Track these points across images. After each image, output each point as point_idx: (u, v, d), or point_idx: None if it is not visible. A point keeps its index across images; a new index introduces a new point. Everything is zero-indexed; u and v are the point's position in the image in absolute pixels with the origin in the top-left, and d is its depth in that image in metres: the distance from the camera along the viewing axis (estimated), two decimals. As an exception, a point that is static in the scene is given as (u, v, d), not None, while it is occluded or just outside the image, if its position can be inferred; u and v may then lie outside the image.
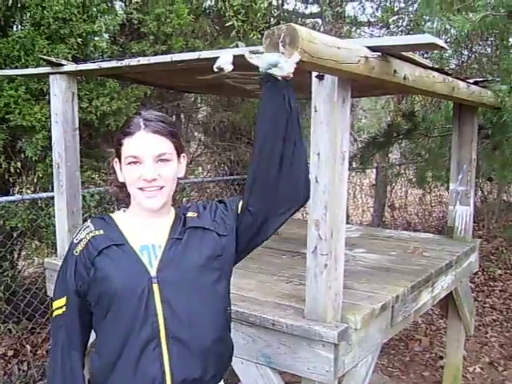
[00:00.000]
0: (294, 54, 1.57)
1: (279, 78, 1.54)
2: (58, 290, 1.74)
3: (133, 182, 1.65)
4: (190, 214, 1.76)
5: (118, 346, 1.61)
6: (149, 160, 1.63)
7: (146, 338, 1.60)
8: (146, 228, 1.71)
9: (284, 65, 1.53)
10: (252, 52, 1.58)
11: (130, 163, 1.64)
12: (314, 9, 8.52)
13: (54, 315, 1.74)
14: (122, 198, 1.79)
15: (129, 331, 1.60)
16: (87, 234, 1.70)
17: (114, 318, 1.61)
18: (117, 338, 1.61)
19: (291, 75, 1.56)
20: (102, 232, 1.69)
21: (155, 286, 1.61)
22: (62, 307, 1.71)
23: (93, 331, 1.74)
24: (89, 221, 1.77)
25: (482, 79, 3.97)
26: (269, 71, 1.55)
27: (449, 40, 5.08)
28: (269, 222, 1.74)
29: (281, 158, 1.63)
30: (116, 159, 1.72)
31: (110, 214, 1.79)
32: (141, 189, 1.64)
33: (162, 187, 1.65)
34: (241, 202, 1.78)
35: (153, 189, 1.64)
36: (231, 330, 1.83)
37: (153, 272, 1.63)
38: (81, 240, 1.70)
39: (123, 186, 1.73)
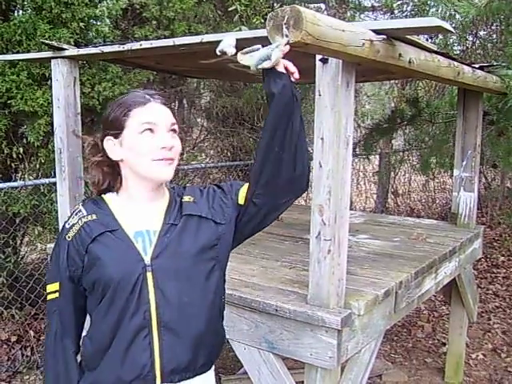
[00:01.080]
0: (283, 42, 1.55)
1: (270, 67, 1.53)
2: (51, 273, 1.72)
3: (148, 152, 1.59)
4: (186, 199, 1.73)
5: (110, 333, 1.60)
6: (164, 129, 1.61)
7: (137, 326, 1.58)
8: (140, 212, 1.67)
9: (273, 54, 1.51)
10: (245, 52, 1.55)
11: (144, 131, 1.59)
12: (318, -6, 8.45)
13: (48, 298, 1.72)
14: (106, 181, 1.71)
15: (121, 318, 1.58)
16: (79, 219, 1.65)
17: (108, 304, 1.59)
18: (109, 324, 1.60)
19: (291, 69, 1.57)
20: (94, 217, 1.65)
21: (149, 274, 1.59)
22: (55, 292, 1.69)
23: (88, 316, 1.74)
24: (80, 204, 1.72)
25: (487, 64, 3.94)
26: (259, 67, 1.53)
27: (454, 25, 5.03)
28: (272, 212, 1.75)
29: (288, 149, 1.64)
30: (109, 137, 1.65)
31: (103, 196, 1.72)
32: (155, 160, 1.59)
33: (172, 159, 1.62)
34: (241, 191, 1.75)
35: (168, 158, 1.60)
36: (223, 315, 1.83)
37: (147, 259, 1.60)
38: (73, 225, 1.65)
39: (114, 165, 1.68)
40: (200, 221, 1.69)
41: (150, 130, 1.59)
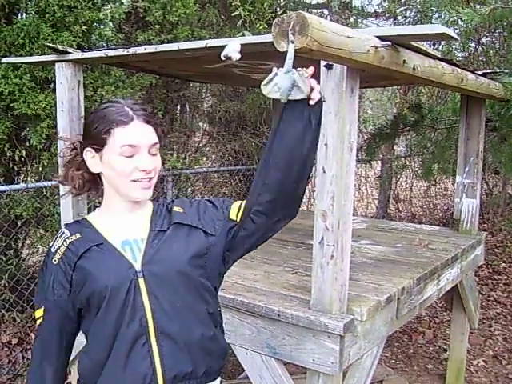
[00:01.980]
0: (307, 70, 1.51)
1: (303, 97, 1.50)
2: (37, 299, 1.70)
3: (127, 174, 1.57)
4: (176, 209, 1.71)
5: (107, 345, 1.58)
6: (145, 150, 1.59)
7: (134, 334, 1.56)
8: (124, 223, 1.66)
9: (300, 83, 1.48)
10: (267, 83, 1.52)
11: (125, 153, 1.56)
12: (321, -1, 8.47)
13: (37, 323, 1.71)
14: (86, 186, 1.71)
15: (117, 328, 1.56)
16: (64, 240, 1.64)
17: (103, 315, 1.57)
18: (106, 335, 1.58)
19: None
20: (78, 236, 1.64)
21: (141, 280, 1.57)
22: (40, 318, 1.68)
23: (82, 335, 1.70)
24: (63, 227, 1.71)
25: (490, 71, 3.94)
26: (290, 98, 1.50)
27: (457, 32, 5.04)
28: (268, 232, 1.72)
29: (299, 176, 1.62)
30: (89, 149, 1.62)
31: (85, 216, 1.73)
32: (135, 180, 1.58)
33: (151, 179, 1.61)
34: (233, 207, 1.73)
35: (147, 180, 1.59)
36: (223, 328, 1.81)
37: (137, 266, 1.58)
38: (58, 248, 1.64)
39: (94, 178, 1.68)
40: (190, 230, 1.67)
41: (131, 152, 1.57)
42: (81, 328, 1.69)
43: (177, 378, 1.59)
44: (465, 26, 4.48)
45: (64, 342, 1.69)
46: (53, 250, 1.66)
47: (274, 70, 1.51)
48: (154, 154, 1.62)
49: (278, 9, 6.21)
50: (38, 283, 1.70)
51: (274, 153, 1.60)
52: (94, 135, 1.60)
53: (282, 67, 1.50)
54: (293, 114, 1.56)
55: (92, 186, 1.71)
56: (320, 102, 1.58)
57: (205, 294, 1.67)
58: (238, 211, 1.72)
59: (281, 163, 1.59)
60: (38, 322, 1.68)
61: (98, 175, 1.67)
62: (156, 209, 1.72)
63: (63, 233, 1.67)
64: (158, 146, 1.63)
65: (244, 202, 1.73)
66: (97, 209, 1.74)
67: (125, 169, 1.57)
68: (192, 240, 1.65)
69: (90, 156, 1.63)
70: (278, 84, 1.49)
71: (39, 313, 1.67)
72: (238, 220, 1.71)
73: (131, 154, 1.57)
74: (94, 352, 1.63)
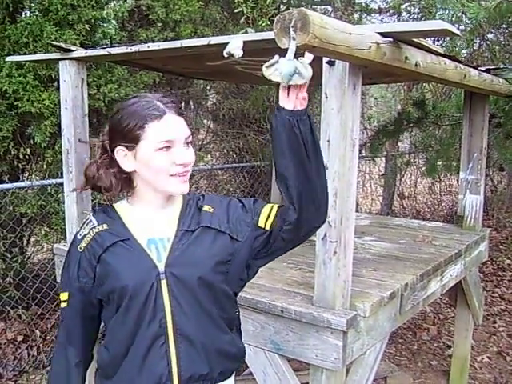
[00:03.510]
0: (306, 55, 1.51)
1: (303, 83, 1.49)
2: (63, 283, 1.70)
3: (165, 169, 1.54)
4: (206, 208, 1.67)
5: (126, 342, 1.59)
6: (181, 143, 1.56)
7: (153, 334, 1.57)
8: (152, 220, 1.64)
9: (302, 70, 1.48)
10: (269, 65, 1.52)
11: (161, 148, 1.53)
12: (324, -5, 8.45)
13: (60, 307, 1.72)
14: (119, 187, 1.65)
15: (137, 327, 1.57)
16: (91, 229, 1.63)
17: (124, 313, 1.58)
18: (125, 333, 1.59)
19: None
20: (105, 227, 1.62)
21: (163, 282, 1.57)
22: (64, 301, 1.69)
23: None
24: (91, 214, 1.70)
25: (493, 67, 3.94)
26: (291, 82, 1.50)
27: (463, 28, 5.03)
28: (294, 245, 1.71)
29: (311, 187, 1.57)
30: (121, 148, 1.58)
31: (114, 205, 1.69)
32: (173, 175, 1.55)
33: (187, 172, 1.59)
34: (263, 213, 1.68)
35: (184, 174, 1.57)
36: (240, 330, 1.82)
37: (161, 267, 1.57)
38: (84, 236, 1.64)
39: (126, 177, 1.64)
40: (217, 234, 1.64)
41: (167, 147, 1.54)
42: (101, 317, 1.70)
43: (192, 378, 1.61)
44: (469, 21, 4.47)
45: (88, 326, 1.71)
46: (79, 236, 1.66)
47: (276, 57, 1.51)
48: (189, 147, 1.59)
49: (282, 5, 6.19)
50: (63, 266, 1.70)
51: (279, 171, 1.59)
52: (126, 133, 1.56)
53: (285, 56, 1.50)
54: (277, 129, 1.52)
55: (124, 184, 1.65)
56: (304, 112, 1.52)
57: (223, 300, 1.67)
58: (268, 218, 1.67)
59: (288, 179, 1.57)
60: (63, 305, 1.69)
61: (129, 174, 1.63)
62: (186, 204, 1.69)
63: (90, 221, 1.67)
64: (191, 138, 1.61)
65: (275, 207, 1.69)
66: (126, 198, 1.69)
67: (162, 164, 1.54)
68: (217, 246, 1.63)
69: (122, 155, 1.59)
70: (280, 69, 1.49)
71: (64, 296, 1.68)
72: (268, 228, 1.66)
73: (168, 149, 1.54)
74: (112, 347, 1.64)
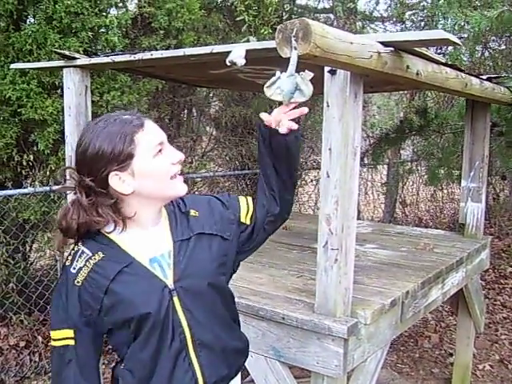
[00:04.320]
0: (306, 72, 1.54)
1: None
2: (58, 319, 1.58)
3: (166, 172, 1.53)
4: (192, 213, 1.69)
5: (151, 364, 1.58)
6: (167, 144, 1.56)
7: (176, 351, 1.58)
8: (147, 237, 1.60)
9: (303, 87, 1.52)
10: (270, 85, 1.56)
11: (158, 153, 1.52)
12: (327, 4, 8.49)
13: (56, 345, 1.60)
14: (108, 219, 1.53)
15: (160, 347, 1.57)
16: (86, 261, 1.53)
17: (146, 338, 1.56)
18: (148, 355, 1.57)
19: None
20: (101, 255, 1.54)
21: (175, 299, 1.57)
22: (65, 339, 1.57)
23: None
24: (80, 244, 1.57)
25: (495, 75, 3.95)
26: (292, 101, 1.54)
27: (465, 36, 5.04)
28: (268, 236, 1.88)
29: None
30: (114, 173, 1.49)
31: (101, 231, 1.56)
32: (172, 177, 1.55)
33: (182, 172, 1.61)
34: (243, 209, 1.80)
35: (179, 173, 1.58)
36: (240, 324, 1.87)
37: (170, 283, 1.57)
38: (80, 269, 1.53)
39: (117, 203, 1.54)
40: (211, 239, 1.68)
41: (160, 150, 1.53)
42: (110, 342, 1.66)
43: (216, 382, 1.66)
44: (472, 30, 4.48)
45: (98, 356, 1.65)
46: (73, 270, 1.54)
47: (278, 73, 1.54)
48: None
49: (284, 14, 6.22)
50: (56, 303, 1.59)
51: (265, 169, 1.80)
52: (116, 155, 1.48)
53: (286, 72, 1.53)
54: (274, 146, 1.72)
55: (112, 216, 1.53)
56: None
57: (228, 299, 1.75)
58: (247, 213, 1.78)
59: (272, 176, 1.78)
60: (67, 342, 1.57)
61: (116, 200, 1.54)
62: (170, 213, 1.67)
63: (82, 252, 1.55)
64: None
65: (250, 201, 1.83)
66: (113, 225, 1.56)
67: (164, 167, 1.53)
68: (215, 249, 1.67)
69: (116, 180, 1.50)
70: (281, 87, 1.52)
71: (65, 334, 1.57)
72: (248, 222, 1.78)
73: (161, 152, 1.53)
74: (137, 370, 1.60)
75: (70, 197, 1.59)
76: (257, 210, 1.79)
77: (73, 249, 1.59)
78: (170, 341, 1.57)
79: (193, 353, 1.60)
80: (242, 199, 1.82)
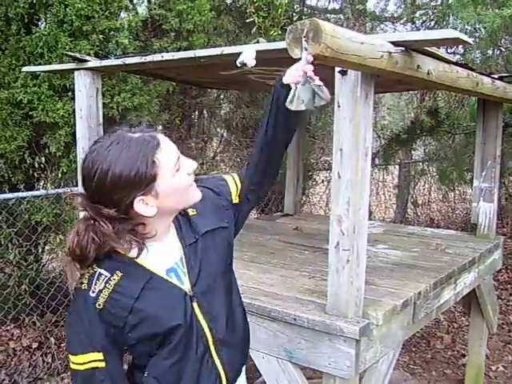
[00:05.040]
0: (316, 79, 1.56)
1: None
2: (81, 344, 1.52)
3: (185, 185, 1.53)
4: (191, 212, 1.67)
5: (177, 369, 1.58)
6: (180, 155, 1.54)
7: (200, 356, 1.60)
8: (159, 249, 1.57)
9: (320, 92, 1.55)
10: (290, 101, 1.57)
11: (178, 169, 1.50)
12: (337, 5, 8.47)
13: (77, 369, 1.54)
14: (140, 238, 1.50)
15: (186, 354, 1.58)
16: (106, 283, 1.48)
17: (172, 347, 1.56)
18: (175, 362, 1.57)
19: None
20: (120, 274, 1.50)
21: (195, 305, 1.59)
22: (92, 362, 1.51)
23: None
24: (95, 266, 1.50)
25: (507, 75, 3.92)
26: (315, 105, 1.56)
27: (478, 36, 5.01)
28: (255, 205, 2.00)
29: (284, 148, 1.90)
30: (139, 198, 1.45)
31: (115, 250, 1.51)
32: (190, 186, 1.55)
33: None
34: (232, 190, 1.82)
35: (193, 179, 1.58)
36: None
37: (187, 289, 1.58)
38: (100, 291, 1.48)
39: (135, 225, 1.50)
40: (214, 233, 1.70)
41: (179, 165, 1.51)
42: (131, 353, 1.64)
43: (237, 374, 1.76)
44: (484, 30, 4.46)
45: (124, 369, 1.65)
46: (92, 294, 1.48)
47: (293, 86, 1.58)
48: None
49: (294, 15, 6.22)
50: (74, 329, 1.54)
51: (267, 129, 1.81)
52: (140, 180, 1.43)
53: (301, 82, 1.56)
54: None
55: (137, 235, 1.50)
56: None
57: (235, 286, 1.80)
58: (236, 192, 1.83)
59: (271, 131, 1.79)
60: (86, 366, 1.52)
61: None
62: (174, 218, 1.64)
63: (100, 274, 1.49)
64: None
65: (237, 178, 1.87)
66: (134, 250, 1.50)
67: (184, 180, 1.52)
68: (220, 242, 1.71)
69: (141, 205, 1.46)
70: (301, 97, 1.54)
71: (87, 358, 1.51)
72: (237, 201, 1.83)
73: (179, 167, 1.51)
74: (163, 377, 1.58)
75: (82, 215, 1.52)
76: (244, 183, 1.85)
77: (88, 272, 1.51)
78: (196, 346, 1.59)
79: (214, 353, 1.64)
80: (229, 180, 1.85)
